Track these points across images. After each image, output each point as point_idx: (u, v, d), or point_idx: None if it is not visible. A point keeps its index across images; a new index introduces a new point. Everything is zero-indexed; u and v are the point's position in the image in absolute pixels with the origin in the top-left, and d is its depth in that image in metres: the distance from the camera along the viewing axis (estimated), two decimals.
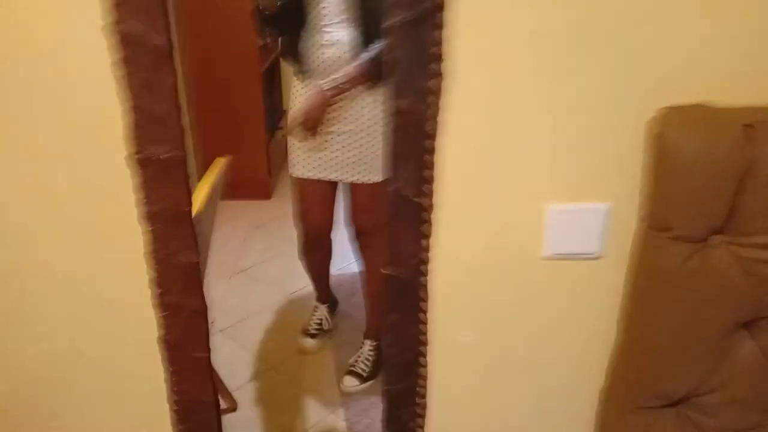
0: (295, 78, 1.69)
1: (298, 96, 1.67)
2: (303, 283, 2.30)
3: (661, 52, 0.82)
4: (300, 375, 1.95)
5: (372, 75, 1.51)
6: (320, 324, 2.07)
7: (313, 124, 1.52)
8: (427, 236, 0.93)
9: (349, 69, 1.50)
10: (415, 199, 0.90)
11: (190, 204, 0.92)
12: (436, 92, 0.85)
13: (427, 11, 0.81)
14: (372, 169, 1.64)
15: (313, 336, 2.03)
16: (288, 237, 2.69)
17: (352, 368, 1.89)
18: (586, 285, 0.96)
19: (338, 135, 1.63)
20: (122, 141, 0.87)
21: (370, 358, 1.88)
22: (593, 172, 0.89)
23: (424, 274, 0.95)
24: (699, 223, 0.81)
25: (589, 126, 0.86)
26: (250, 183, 2.97)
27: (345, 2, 1.51)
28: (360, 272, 1.97)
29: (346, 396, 1.83)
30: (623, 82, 0.84)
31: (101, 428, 1.09)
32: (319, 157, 1.66)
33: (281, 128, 3.36)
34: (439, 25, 0.82)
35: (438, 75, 0.84)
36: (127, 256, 0.94)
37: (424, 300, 0.97)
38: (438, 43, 0.83)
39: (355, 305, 2.19)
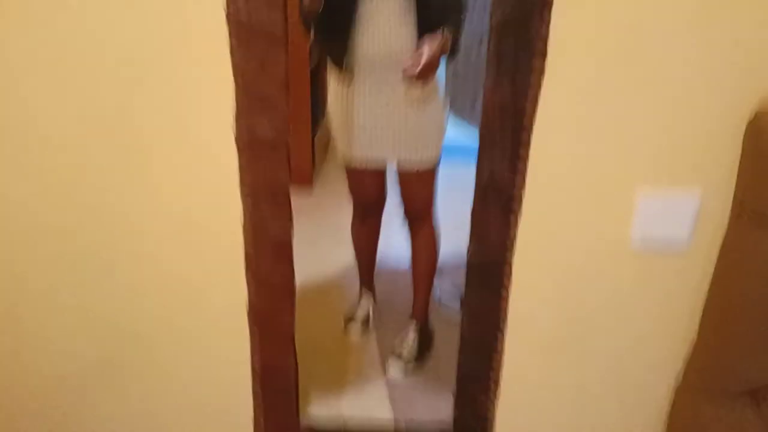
0: (334, 81, 1.72)
1: (338, 97, 1.70)
2: (345, 269, 2.35)
3: (764, 45, 0.84)
4: (345, 361, 1.98)
5: (447, 49, 1.53)
6: (366, 312, 2.10)
7: (431, 70, 1.52)
8: (515, 218, 0.95)
9: (435, 39, 1.51)
10: (508, 179, 0.93)
11: (288, 182, 0.96)
12: (536, 86, 0.88)
13: (535, 8, 0.83)
14: (418, 152, 1.69)
15: (359, 323, 2.07)
16: (328, 225, 2.73)
17: (397, 352, 1.93)
18: (672, 274, 0.98)
19: (390, 126, 1.67)
20: (231, 121, 0.91)
21: (414, 339, 1.93)
22: (686, 159, 0.91)
23: (509, 257, 0.98)
24: None
25: (687, 115, 0.88)
26: (295, 170, 3.02)
27: (399, 2, 1.54)
28: (410, 255, 1.99)
29: (391, 383, 1.86)
30: (724, 74, 0.85)
31: (185, 388, 1.14)
32: (372, 144, 1.70)
33: (324, 121, 3.41)
34: (546, 22, 0.84)
35: (540, 70, 0.87)
36: (225, 229, 0.99)
37: (508, 283, 1.00)
38: (544, 39, 0.85)
39: (395, 294, 2.22)
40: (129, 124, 0.94)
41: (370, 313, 2.12)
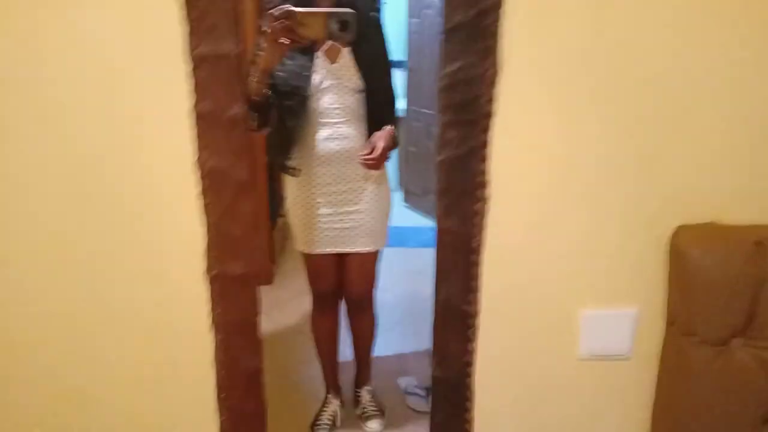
0: (292, 179, 1.81)
1: (297, 186, 1.78)
2: (304, 369, 2.34)
3: (677, 171, 0.96)
4: None
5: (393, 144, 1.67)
6: (332, 419, 2.07)
7: (385, 158, 1.64)
8: (472, 340, 1.02)
9: (385, 132, 1.63)
10: (463, 307, 1.01)
11: (257, 315, 1.00)
12: (481, 214, 0.97)
13: (474, 148, 0.94)
14: (370, 241, 1.82)
15: (326, 429, 2.04)
16: (289, 322, 2.73)
17: (367, 414, 2.01)
18: (618, 383, 1.06)
19: (349, 213, 1.77)
20: (201, 258, 0.96)
21: (374, 399, 2.07)
22: (621, 281, 1.01)
23: (469, 374, 1.04)
24: (720, 328, 0.92)
25: (615, 240, 0.99)
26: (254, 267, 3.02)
27: (349, 100, 1.66)
28: (350, 334, 2.07)
29: None
30: (643, 200, 0.97)
31: None
32: (332, 234, 1.79)
33: (282, 216, 3.46)
34: (484, 158, 0.95)
35: (483, 200, 0.96)
36: (196, 362, 1.01)
37: (469, 399, 1.05)
38: (483, 173, 0.96)
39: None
40: (104, 270, 0.98)
41: (337, 416, 2.10)
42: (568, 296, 1.01)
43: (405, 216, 4.00)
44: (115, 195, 0.95)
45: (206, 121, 0.90)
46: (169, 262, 0.98)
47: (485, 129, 0.93)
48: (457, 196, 0.96)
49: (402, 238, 3.19)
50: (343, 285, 1.95)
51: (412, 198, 4.15)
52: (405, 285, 2.93)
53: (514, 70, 0.91)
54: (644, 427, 1.07)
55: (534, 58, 0.91)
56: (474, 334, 1.02)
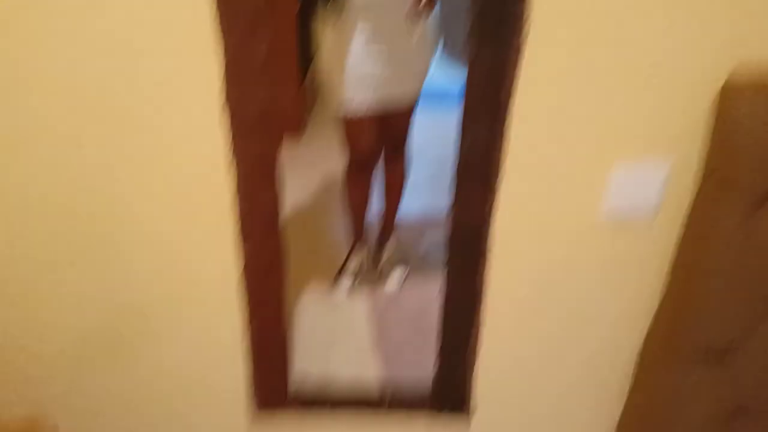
0: (328, 29, 1.71)
1: (332, 44, 1.71)
2: (330, 223, 2.38)
3: (732, 15, 0.85)
4: (334, 317, 2.03)
5: None
6: (357, 269, 2.13)
7: (433, 4, 1.64)
8: (494, 189, 0.99)
9: None
10: (488, 153, 0.96)
11: (278, 153, 0.98)
12: (519, 45, 0.88)
13: None
14: (410, 85, 1.79)
15: (350, 278, 2.11)
16: (317, 178, 2.74)
17: (391, 262, 2.09)
18: (640, 241, 1.03)
19: (392, 60, 1.71)
20: (218, 90, 0.92)
21: (398, 249, 2.14)
22: (658, 132, 0.93)
23: (488, 224, 1.02)
24: (760, 184, 0.86)
25: (657, 87, 0.90)
26: (284, 120, 3.00)
27: None
28: (383, 184, 2.09)
29: (384, 331, 1.94)
30: (693, 42, 0.87)
31: (180, 355, 1.20)
32: (369, 78, 1.74)
33: (312, 68, 3.36)
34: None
35: (522, 25, 0.87)
36: (216, 201, 1.01)
37: (486, 249, 1.04)
38: (522, 16, 0.86)
39: None
40: (120, 103, 0.94)
41: (363, 266, 2.16)
42: (600, 148, 0.95)
43: (442, 73, 3.85)
44: (125, 25, 0.88)
45: None
46: (185, 94, 0.94)
47: None
48: (492, 24, 0.87)
49: (437, 99, 3.08)
50: (381, 132, 1.91)
51: (450, 48, 3.96)
52: (436, 147, 2.88)
53: None
54: (655, 292, 1.06)
55: None
56: (497, 183, 0.98)
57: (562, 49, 0.88)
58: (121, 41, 0.89)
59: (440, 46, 4.15)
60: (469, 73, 0.91)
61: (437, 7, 1.74)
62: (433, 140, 2.97)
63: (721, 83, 0.88)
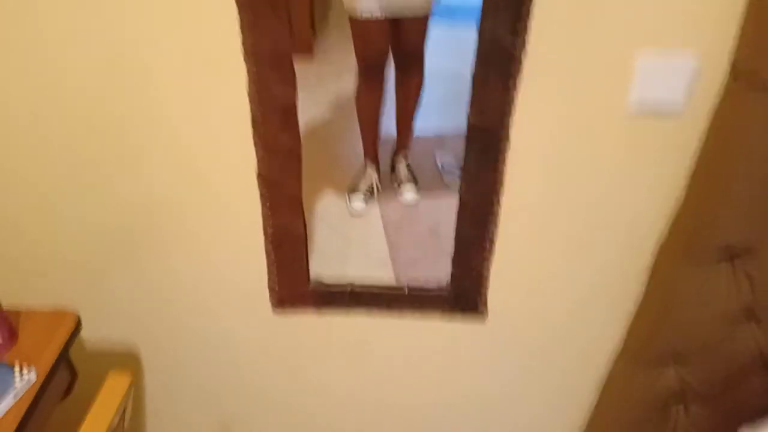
0: None
1: None
2: (343, 140, 2.38)
3: None
4: (349, 229, 2.06)
5: None
6: (370, 183, 2.15)
7: None
8: (515, 84, 0.96)
9: None
10: (509, 47, 0.93)
11: (290, 45, 0.96)
12: None
13: None
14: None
15: (362, 193, 2.12)
16: (330, 97, 2.70)
17: (402, 181, 2.08)
18: (667, 136, 1.01)
19: None
20: None
21: (410, 168, 2.14)
22: (686, 22, 0.90)
23: (508, 122, 1.01)
24: None
25: None
26: (295, 38, 2.93)
27: None
28: (396, 95, 2.06)
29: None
30: None
31: (201, 252, 1.23)
32: None
33: None
34: None
35: None
36: (230, 95, 1.00)
37: (505, 147, 1.03)
38: None
39: None
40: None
41: (375, 183, 2.18)
42: (625, 38, 0.91)
43: None
44: None
45: None
46: None
47: None
48: None
49: (451, 13, 2.98)
50: (394, 43, 1.89)
51: None
52: (450, 65, 2.81)
53: None
54: (676, 191, 1.05)
55: None
56: (518, 79, 0.96)
57: None
58: None
59: None
60: None
61: None
62: (448, 57, 2.91)
63: None
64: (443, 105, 2.61)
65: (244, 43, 0.95)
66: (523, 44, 0.92)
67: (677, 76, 0.94)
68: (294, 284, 1.23)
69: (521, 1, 0.89)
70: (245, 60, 0.96)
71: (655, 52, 0.92)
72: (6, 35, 0.97)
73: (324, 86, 2.83)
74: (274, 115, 1.01)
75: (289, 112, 1.01)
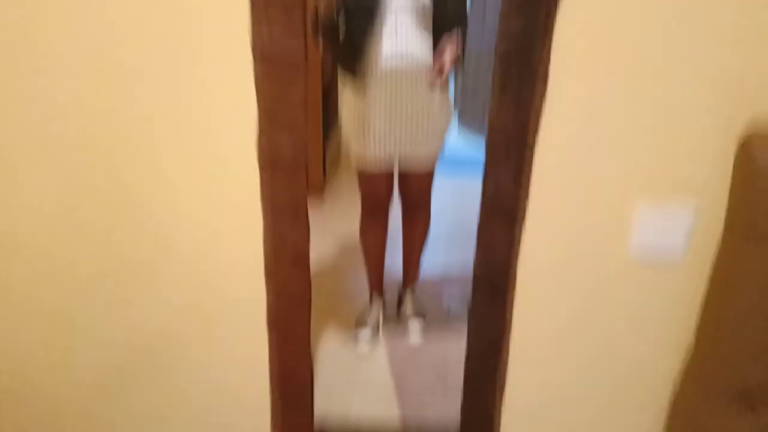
0: (349, 89, 1.82)
1: (354, 103, 1.81)
2: (350, 276, 2.42)
3: (754, 64, 0.90)
4: (355, 366, 2.03)
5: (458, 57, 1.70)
6: (376, 318, 2.16)
7: (449, 68, 1.69)
8: (518, 234, 1.01)
9: (450, 44, 1.63)
10: (511, 199, 0.99)
11: (306, 196, 1.03)
12: (539, 108, 0.94)
13: (537, 38, 0.90)
14: (427, 145, 1.87)
15: (369, 329, 2.12)
16: (338, 234, 2.79)
17: (408, 315, 2.12)
18: (669, 283, 1.03)
19: (409, 121, 1.80)
20: (254, 140, 0.98)
21: (416, 300, 2.18)
22: (682, 176, 0.96)
23: (514, 268, 1.04)
24: None
25: (681, 131, 0.94)
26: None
27: (416, 13, 1.66)
28: (403, 236, 2.17)
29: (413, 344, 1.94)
30: (716, 92, 0.91)
31: (206, 389, 1.21)
32: (387, 136, 1.82)
33: (334, 138, 3.50)
34: (548, 49, 0.90)
35: (542, 93, 0.93)
36: (246, 240, 1.05)
37: (513, 293, 1.06)
38: (545, 65, 0.91)
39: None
40: (156, 142, 1.01)
41: (380, 319, 2.19)
42: (624, 190, 0.97)
43: (459, 142, 3.96)
44: (170, 75, 0.96)
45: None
46: (222, 143, 1.00)
47: (549, 16, 0.89)
48: (514, 86, 0.93)
49: (455, 165, 3.19)
50: (401, 189, 2.01)
51: (467, 120, 4.09)
52: (455, 211, 2.94)
53: None
54: (688, 336, 1.06)
55: None
56: (521, 228, 1.01)
57: (583, 96, 0.93)
58: (171, 87, 0.97)
59: (457, 118, 4.30)
60: (492, 117, 0.96)
61: (453, 81, 1.87)
62: (452, 205, 3.05)
63: (740, 132, 0.92)
64: (449, 243, 2.70)
65: (262, 192, 1.01)
66: (525, 195, 0.98)
67: (676, 225, 0.98)
68: (297, 427, 1.20)
69: (523, 155, 0.96)
70: (262, 208, 1.02)
71: (653, 203, 0.98)
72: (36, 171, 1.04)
73: (332, 226, 2.95)
74: (287, 260, 1.06)
75: (301, 258, 1.05)
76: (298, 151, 0.98)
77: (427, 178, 1.99)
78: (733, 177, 0.94)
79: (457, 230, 2.81)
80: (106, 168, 1.04)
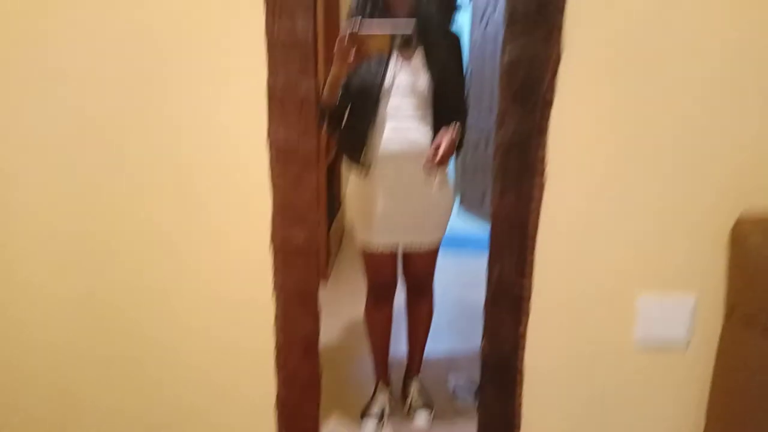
0: (353, 174, 1.88)
1: (357, 189, 1.86)
2: (355, 364, 2.39)
3: (740, 158, 0.95)
4: None
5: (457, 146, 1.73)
6: (382, 410, 2.11)
7: (448, 157, 1.70)
8: (524, 320, 1.04)
9: (450, 132, 1.68)
10: (516, 286, 1.02)
11: (317, 283, 1.06)
12: (538, 198, 0.99)
13: (533, 133, 0.96)
14: (431, 234, 1.89)
15: (375, 418, 2.08)
16: (341, 323, 2.78)
17: (415, 406, 2.06)
18: (674, 371, 1.04)
19: (411, 209, 1.82)
20: (268, 230, 1.02)
21: (422, 392, 2.12)
22: (680, 267, 1.00)
23: (521, 356, 1.05)
24: None
25: (675, 224, 0.99)
26: None
27: (417, 101, 1.72)
28: (408, 319, 2.14)
29: None
30: (705, 185, 0.97)
31: None
32: (391, 226, 1.85)
33: (338, 220, 3.55)
34: (542, 143, 0.97)
35: (540, 184, 0.98)
36: (257, 326, 1.07)
37: (520, 380, 1.06)
38: (541, 158, 0.98)
39: None
40: (174, 230, 1.05)
41: (386, 407, 2.14)
42: (625, 280, 1.01)
43: (461, 222, 4.02)
44: (190, 166, 1.02)
45: (279, 98, 0.97)
46: (237, 232, 1.04)
47: (545, 113, 0.95)
48: (514, 179, 0.99)
49: (457, 244, 3.23)
50: (405, 271, 2.02)
51: (468, 203, 4.16)
52: (458, 290, 2.95)
53: (576, 54, 0.93)
54: (699, 422, 1.05)
55: (597, 42, 0.93)
56: (526, 314, 1.03)
57: (582, 189, 0.99)
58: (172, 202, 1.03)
59: (458, 200, 4.37)
60: (494, 212, 1.01)
61: (454, 164, 1.91)
62: (456, 284, 3.06)
63: (733, 220, 0.96)
64: (454, 326, 2.68)
65: (275, 280, 1.04)
66: (529, 285, 1.01)
67: (677, 315, 1.01)
68: None
69: (525, 246, 1.00)
70: (274, 297, 1.05)
71: (654, 293, 1.01)
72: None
73: (337, 309, 2.94)
74: (297, 347, 1.07)
75: (310, 345, 1.07)
76: (310, 241, 1.02)
77: (431, 260, 2.01)
78: (729, 263, 0.97)
79: (461, 310, 2.81)
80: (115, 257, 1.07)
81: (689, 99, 0.94)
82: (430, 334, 2.16)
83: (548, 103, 0.95)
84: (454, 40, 1.79)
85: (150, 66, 0.98)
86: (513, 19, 0.92)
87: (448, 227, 1.97)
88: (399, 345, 2.24)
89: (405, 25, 1.27)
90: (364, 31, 1.29)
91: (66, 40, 0.98)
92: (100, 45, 0.98)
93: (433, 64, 1.72)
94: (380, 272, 2.01)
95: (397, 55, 1.71)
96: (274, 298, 1.05)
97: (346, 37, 1.31)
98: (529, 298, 1.02)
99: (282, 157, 0.99)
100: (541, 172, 0.97)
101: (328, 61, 1.57)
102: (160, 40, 0.97)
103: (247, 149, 1.00)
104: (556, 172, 0.98)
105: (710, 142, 0.95)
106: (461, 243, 3.50)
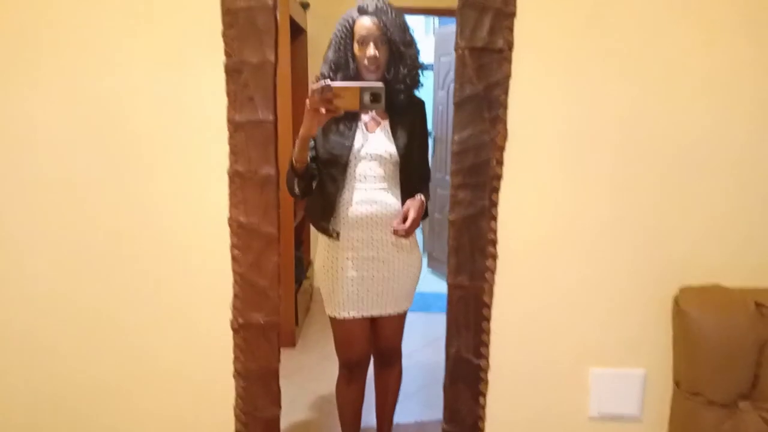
0: (322, 242, 1.89)
1: (327, 249, 1.86)
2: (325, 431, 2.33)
3: (681, 235, 1.01)
4: None
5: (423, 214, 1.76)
6: None
7: (416, 226, 1.72)
8: (483, 395, 1.05)
9: (417, 201, 1.71)
10: (474, 361, 1.04)
11: (278, 364, 1.05)
12: (491, 270, 1.03)
13: (483, 209, 1.01)
14: (400, 304, 1.89)
15: None
16: (311, 386, 2.72)
17: None
18: None
19: (379, 279, 1.82)
20: (227, 309, 1.03)
21: None
22: (629, 341, 1.04)
23: (481, 429, 1.06)
24: (726, 390, 0.93)
25: (621, 300, 1.03)
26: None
27: (385, 166, 1.76)
28: (376, 389, 2.10)
29: None
30: (647, 262, 1.02)
31: None
32: (361, 298, 1.84)
33: (307, 278, 3.53)
34: (493, 218, 1.02)
35: (492, 256, 1.02)
36: (216, 407, 1.06)
37: None
38: (492, 231, 1.02)
39: None
40: (134, 310, 1.05)
41: None
42: (577, 354, 1.04)
43: (429, 281, 4.03)
44: (152, 246, 1.03)
45: (240, 180, 0.99)
46: (197, 312, 1.05)
47: (494, 191, 1.00)
48: (467, 254, 1.02)
49: (425, 303, 3.23)
50: (373, 340, 2.00)
51: (435, 263, 4.19)
52: (427, 351, 2.93)
53: (522, 136, 0.99)
54: None
55: (541, 125, 0.99)
56: (485, 389, 1.05)
57: (533, 266, 1.03)
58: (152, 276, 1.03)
59: (426, 260, 4.38)
60: (449, 291, 1.04)
61: (421, 226, 1.93)
62: (423, 345, 3.04)
63: (671, 299, 1.01)
64: (423, 393, 2.65)
65: (235, 360, 1.04)
66: (486, 362, 1.04)
67: (629, 388, 1.04)
68: None
69: (480, 325, 1.03)
70: (234, 377, 1.04)
71: (606, 368, 1.04)
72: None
73: (304, 376, 2.87)
74: (258, 428, 1.05)
75: (271, 425, 1.06)
76: (270, 320, 1.03)
77: (399, 324, 2.00)
78: (673, 334, 1.01)
79: (429, 373, 2.78)
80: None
81: (630, 180, 1.00)
82: (398, 401, 2.13)
83: (497, 178, 1.00)
84: (420, 106, 1.86)
85: (112, 148, 1.01)
86: (460, 107, 0.98)
87: (418, 288, 1.98)
88: (367, 414, 2.20)
89: (375, 84, 1.33)
90: (336, 84, 1.35)
91: (35, 109, 1.00)
92: (69, 123, 1.00)
93: (400, 132, 1.78)
94: (352, 348, 1.97)
95: (367, 120, 1.77)
96: (234, 380, 1.04)
97: (318, 90, 1.36)
98: (486, 372, 1.03)
99: (243, 239, 1.00)
100: (493, 254, 1.01)
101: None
102: (126, 119, 1.00)
103: (208, 229, 1.02)
104: (507, 252, 1.02)
105: (654, 220, 1.01)
106: (428, 303, 3.50)
